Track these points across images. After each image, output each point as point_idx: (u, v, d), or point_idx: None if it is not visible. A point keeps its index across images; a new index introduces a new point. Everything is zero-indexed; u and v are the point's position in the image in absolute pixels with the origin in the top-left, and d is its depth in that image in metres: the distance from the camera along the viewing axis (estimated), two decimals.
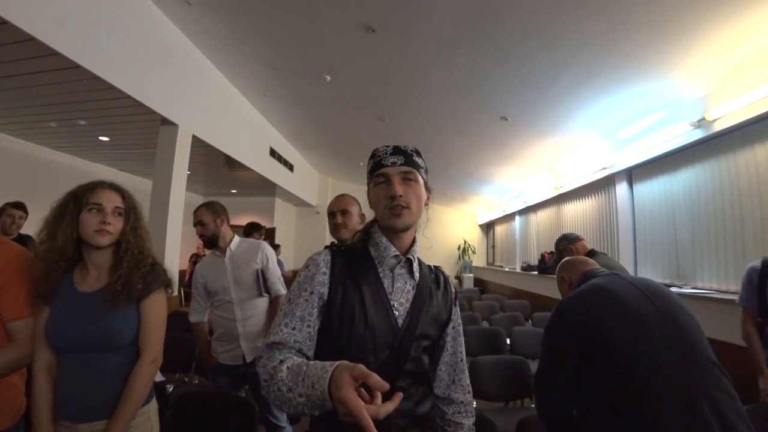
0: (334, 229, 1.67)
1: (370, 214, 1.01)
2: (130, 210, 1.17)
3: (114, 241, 1.13)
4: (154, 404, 1.19)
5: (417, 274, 0.90)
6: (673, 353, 0.97)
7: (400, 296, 0.87)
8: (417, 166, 0.88)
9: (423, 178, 0.90)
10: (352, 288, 0.84)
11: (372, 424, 0.53)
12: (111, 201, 1.13)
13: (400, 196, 0.83)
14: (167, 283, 1.21)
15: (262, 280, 2.02)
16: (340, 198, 1.72)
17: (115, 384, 1.07)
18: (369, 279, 0.86)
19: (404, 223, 0.84)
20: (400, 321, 0.84)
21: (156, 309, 1.16)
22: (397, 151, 0.87)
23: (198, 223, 2.02)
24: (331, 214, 1.69)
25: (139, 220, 1.20)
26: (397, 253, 0.87)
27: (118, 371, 1.08)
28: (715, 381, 0.95)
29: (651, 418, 0.92)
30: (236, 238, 2.10)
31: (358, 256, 0.89)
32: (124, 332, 1.10)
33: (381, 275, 0.87)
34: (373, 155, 0.90)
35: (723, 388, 0.95)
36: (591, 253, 2.33)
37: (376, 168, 0.87)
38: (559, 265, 1.46)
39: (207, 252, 2.24)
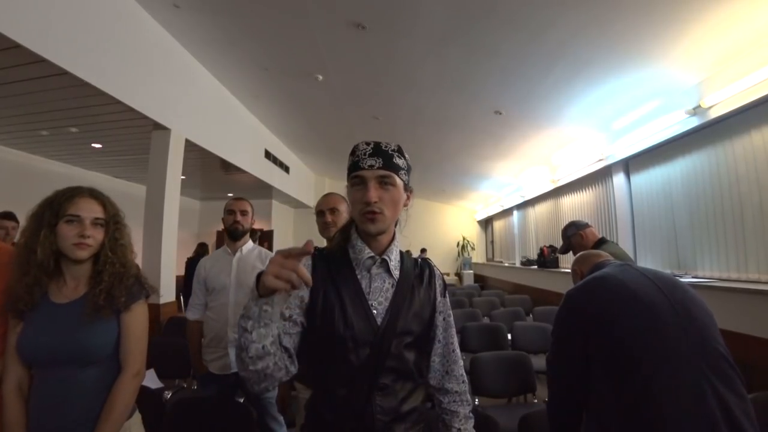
0: (324, 228, 1.62)
1: None
2: (110, 220, 1.11)
3: (94, 253, 1.07)
4: (136, 418, 1.14)
5: (396, 272, 0.91)
6: (683, 347, 0.94)
7: (378, 295, 0.88)
8: (396, 169, 0.85)
9: (403, 180, 0.87)
10: (331, 290, 0.86)
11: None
12: (90, 211, 1.07)
13: (375, 202, 0.82)
14: (148, 294, 1.16)
15: None
16: (329, 196, 1.68)
17: (95, 399, 1.02)
18: (347, 281, 0.87)
19: (378, 229, 0.84)
20: (379, 320, 0.85)
21: (139, 320, 1.11)
22: (376, 151, 0.84)
23: (241, 211, 2.04)
24: (320, 213, 1.64)
25: (121, 230, 1.13)
26: (372, 254, 0.88)
27: (97, 385, 1.03)
28: (725, 379, 0.92)
29: (657, 412, 0.89)
30: (250, 243, 2.11)
31: (337, 259, 0.91)
32: (104, 344, 1.04)
33: (359, 276, 0.88)
34: (353, 152, 0.87)
35: (733, 388, 0.92)
36: (601, 241, 2.26)
37: (353, 168, 0.85)
38: (575, 258, 1.45)
39: None
